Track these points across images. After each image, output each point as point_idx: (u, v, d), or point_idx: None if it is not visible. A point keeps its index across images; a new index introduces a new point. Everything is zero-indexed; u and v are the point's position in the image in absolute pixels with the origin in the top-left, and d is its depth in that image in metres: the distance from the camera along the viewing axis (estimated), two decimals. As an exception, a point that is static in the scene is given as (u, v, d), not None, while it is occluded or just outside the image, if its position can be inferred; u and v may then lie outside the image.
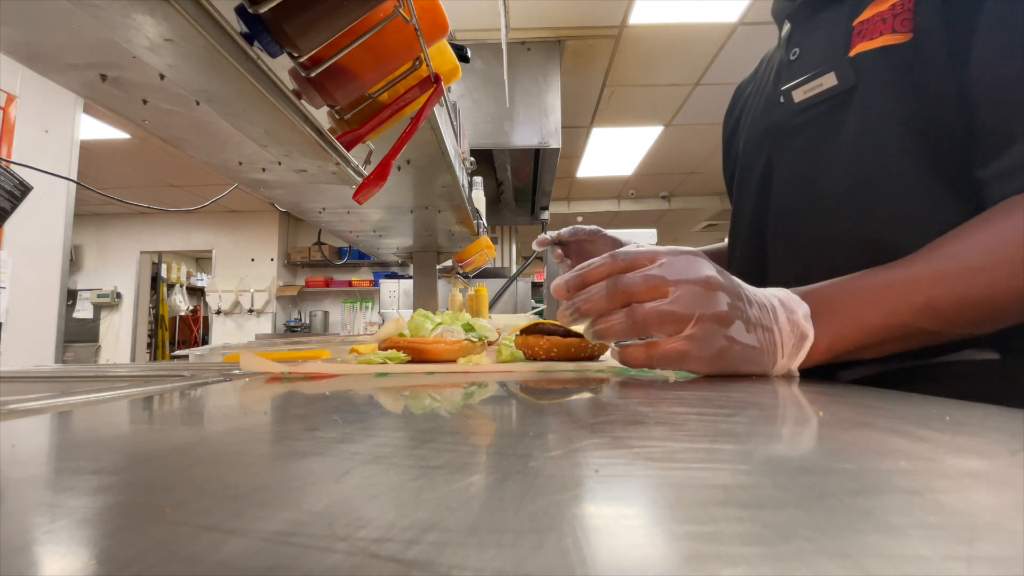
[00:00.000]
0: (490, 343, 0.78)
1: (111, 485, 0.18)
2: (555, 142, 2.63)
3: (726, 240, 0.79)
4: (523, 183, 3.21)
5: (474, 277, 2.42)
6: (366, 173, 0.56)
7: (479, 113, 2.58)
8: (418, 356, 0.62)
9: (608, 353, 0.64)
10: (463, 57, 0.65)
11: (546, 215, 3.53)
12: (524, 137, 2.62)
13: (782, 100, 0.61)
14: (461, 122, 1.29)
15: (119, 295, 5.73)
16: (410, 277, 2.39)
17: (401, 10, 0.42)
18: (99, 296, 5.67)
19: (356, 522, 0.13)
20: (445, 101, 0.93)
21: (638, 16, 2.57)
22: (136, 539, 0.13)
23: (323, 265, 5.81)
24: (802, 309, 0.43)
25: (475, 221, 1.49)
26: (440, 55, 0.58)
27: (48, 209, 2.20)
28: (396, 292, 3.38)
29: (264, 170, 0.84)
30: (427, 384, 0.47)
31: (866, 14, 0.53)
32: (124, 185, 4.83)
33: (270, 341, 2.19)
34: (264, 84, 0.38)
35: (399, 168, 1.01)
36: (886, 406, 0.30)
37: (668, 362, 0.42)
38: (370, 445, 0.22)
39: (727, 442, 0.22)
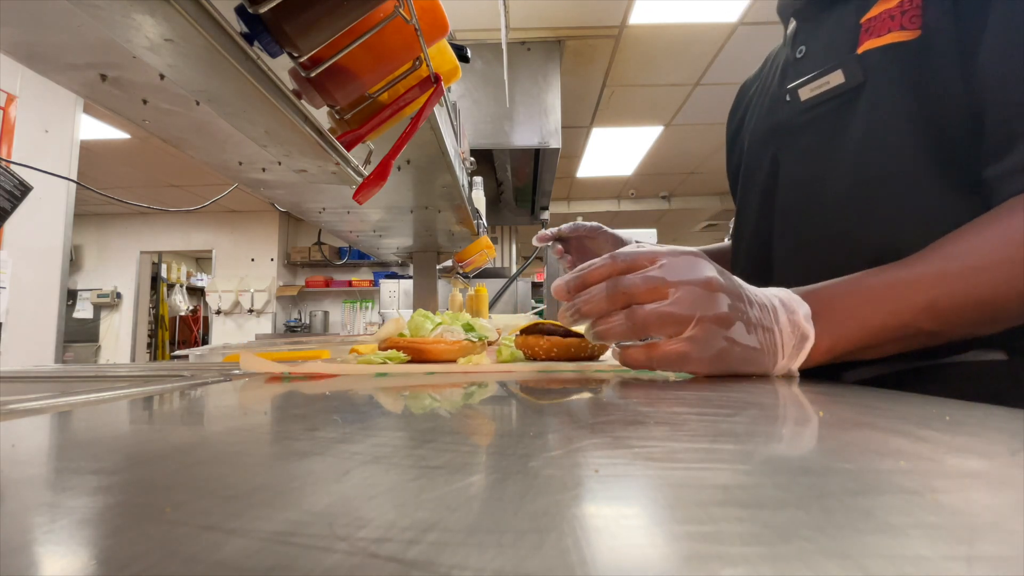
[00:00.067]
0: (490, 343, 0.77)
1: (111, 485, 0.18)
2: (555, 142, 2.63)
3: (726, 240, 0.79)
4: (523, 183, 3.21)
5: (474, 277, 2.41)
6: (366, 173, 0.56)
7: (479, 113, 2.58)
8: (418, 356, 0.62)
9: (608, 353, 0.64)
10: (463, 57, 0.65)
11: (546, 215, 3.54)
12: (524, 137, 2.62)
13: (788, 98, 0.61)
14: (461, 122, 1.29)
15: (119, 295, 5.73)
16: (410, 277, 2.39)
17: (401, 10, 0.42)
18: (99, 296, 5.67)
19: (356, 522, 0.13)
20: (445, 101, 0.93)
21: (638, 16, 2.57)
22: (136, 539, 0.13)
23: (323, 265, 5.81)
24: (803, 309, 0.43)
25: (475, 221, 1.49)
26: (440, 55, 0.58)
27: (48, 209, 2.20)
28: (396, 292, 3.38)
29: (264, 170, 0.84)
30: (427, 384, 0.47)
31: (874, 11, 0.53)
32: (124, 185, 4.83)
33: (270, 341, 2.19)
34: (264, 84, 0.38)
35: (399, 168, 1.01)
36: (886, 406, 0.30)
37: (668, 363, 0.42)
38: (370, 445, 0.22)
39: (727, 442, 0.22)
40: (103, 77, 0.53)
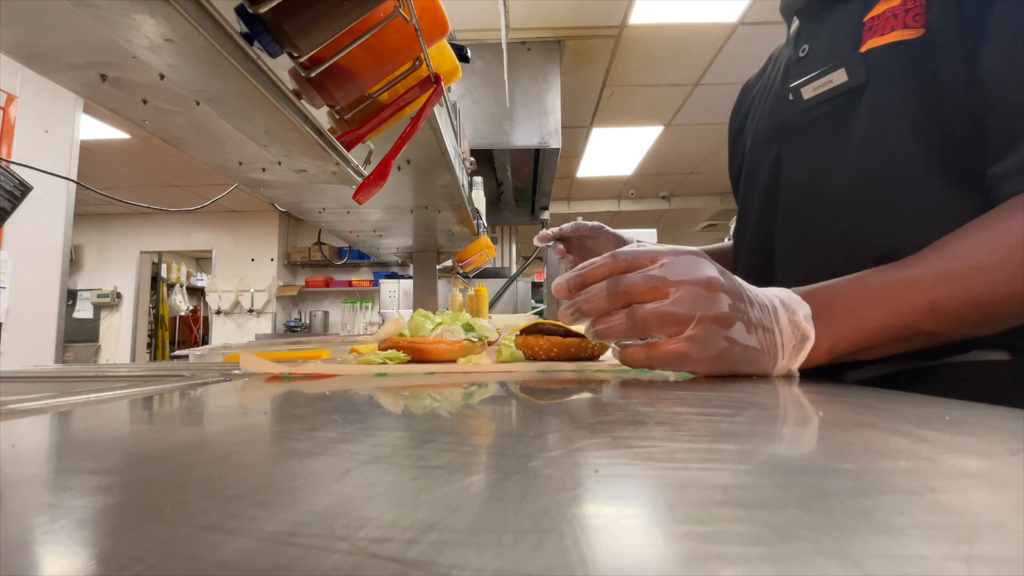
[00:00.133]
0: (490, 343, 0.77)
1: (111, 485, 0.18)
2: (555, 142, 2.63)
3: (727, 240, 0.79)
4: (523, 183, 3.21)
5: (474, 277, 2.41)
6: (366, 173, 0.56)
7: (479, 113, 2.58)
8: (418, 356, 0.62)
9: (608, 353, 0.64)
10: (463, 57, 0.65)
11: (546, 215, 3.54)
12: (524, 137, 2.62)
13: (791, 97, 0.61)
14: (461, 122, 1.29)
15: (119, 295, 5.73)
16: (410, 277, 2.39)
17: (401, 10, 0.42)
18: (99, 296, 5.67)
19: (356, 522, 0.13)
20: (445, 101, 0.93)
21: (638, 16, 2.57)
22: (136, 539, 0.13)
23: (323, 265, 5.81)
24: (803, 310, 0.43)
25: (475, 221, 1.50)
26: (440, 55, 0.58)
27: (48, 209, 2.20)
28: (396, 292, 3.38)
29: (264, 170, 0.84)
30: (427, 384, 0.47)
31: (877, 10, 0.52)
32: (124, 185, 4.83)
33: (270, 341, 2.19)
34: (264, 84, 0.38)
35: (399, 168, 1.01)
36: (886, 406, 0.30)
37: (668, 363, 0.42)
38: (370, 445, 0.22)
39: (727, 442, 0.22)
40: (103, 77, 0.53)
